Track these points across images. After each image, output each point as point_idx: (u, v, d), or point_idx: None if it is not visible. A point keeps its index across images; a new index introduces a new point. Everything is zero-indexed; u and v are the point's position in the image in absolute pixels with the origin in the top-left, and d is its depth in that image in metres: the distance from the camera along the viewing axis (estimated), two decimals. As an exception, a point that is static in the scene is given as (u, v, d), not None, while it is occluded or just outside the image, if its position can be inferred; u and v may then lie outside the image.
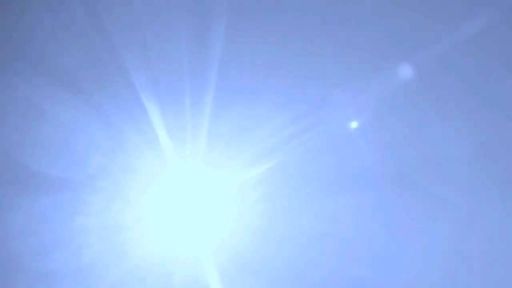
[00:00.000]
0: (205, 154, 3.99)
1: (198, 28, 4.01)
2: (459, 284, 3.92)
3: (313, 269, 3.90)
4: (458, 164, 4.00)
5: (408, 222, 3.99)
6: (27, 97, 3.90)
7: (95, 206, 3.89)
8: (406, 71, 4.03)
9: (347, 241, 3.94)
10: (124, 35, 3.99)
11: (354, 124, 4.01)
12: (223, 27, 3.99)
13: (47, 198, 3.83)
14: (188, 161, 3.98)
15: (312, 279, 3.90)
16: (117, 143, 3.96)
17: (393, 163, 4.04)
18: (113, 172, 3.94)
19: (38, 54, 3.97)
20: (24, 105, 3.91)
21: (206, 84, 3.98)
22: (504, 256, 3.92)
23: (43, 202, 3.83)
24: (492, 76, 4.04)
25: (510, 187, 3.96)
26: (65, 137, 3.93)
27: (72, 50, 3.96)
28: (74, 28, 4.00)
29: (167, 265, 3.90)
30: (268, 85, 4.03)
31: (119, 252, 3.88)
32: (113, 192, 3.92)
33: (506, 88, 4.03)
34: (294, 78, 4.06)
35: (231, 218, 3.99)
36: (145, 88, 3.97)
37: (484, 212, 3.96)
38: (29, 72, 3.90)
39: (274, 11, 4.08)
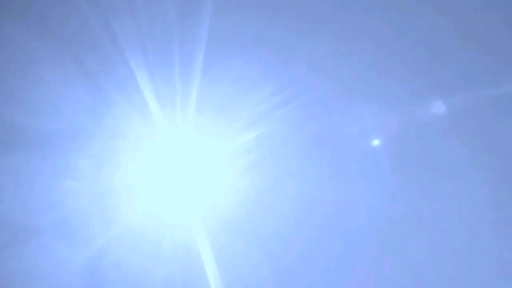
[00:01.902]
0: (194, 121, 4.00)
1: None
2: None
3: (301, 233, 3.97)
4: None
5: (390, 186, 4.10)
6: (18, 59, 3.85)
7: (85, 170, 3.87)
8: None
9: (333, 205, 4.02)
10: (114, 1, 3.96)
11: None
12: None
13: (36, 160, 3.80)
14: (177, 128, 3.99)
15: (300, 242, 3.97)
16: (107, 109, 3.94)
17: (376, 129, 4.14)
18: (102, 137, 3.92)
19: (29, 16, 3.91)
20: (14, 66, 3.86)
21: (196, 51, 3.99)
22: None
23: (32, 164, 3.80)
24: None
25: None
26: (55, 101, 3.89)
27: (64, 15, 3.92)
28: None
29: (156, 231, 3.92)
30: (257, 54, 4.06)
31: (109, 217, 3.88)
32: (102, 157, 3.91)
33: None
34: (283, 48, 4.10)
35: (220, 184, 4.02)
36: (135, 54, 3.96)
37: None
38: (21, 33, 3.84)
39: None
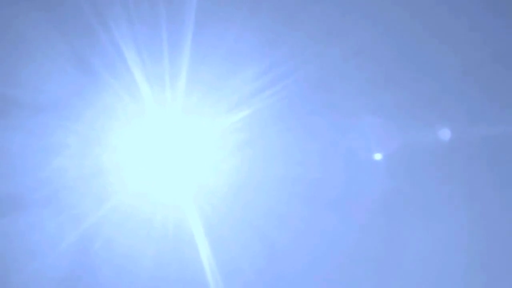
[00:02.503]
0: (184, 99, 3.97)
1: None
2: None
3: (292, 211, 3.97)
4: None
5: (379, 163, 4.14)
6: (6, 36, 3.77)
7: (73, 148, 3.81)
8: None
9: (323, 183, 4.04)
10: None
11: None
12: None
13: (23, 137, 3.72)
14: (167, 106, 3.96)
15: (291, 220, 3.97)
16: (96, 86, 3.89)
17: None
18: (91, 115, 3.87)
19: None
20: (1, 43, 3.78)
21: (185, 29, 3.97)
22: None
23: (19, 141, 3.71)
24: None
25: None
26: (43, 78, 3.82)
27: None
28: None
29: (147, 210, 3.87)
30: (247, 33, 4.06)
31: (98, 196, 3.82)
32: (91, 135, 3.85)
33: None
34: (273, 27, 4.11)
35: (210, 163, 4.00)
36: (123, 33, 3.92)
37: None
38: (9, 9, 3.77)
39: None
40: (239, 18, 4.06)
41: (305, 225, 4.03)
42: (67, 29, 3.89)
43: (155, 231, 3.86)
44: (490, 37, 4.24)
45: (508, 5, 4.27)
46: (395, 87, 4.22)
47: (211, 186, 3.97)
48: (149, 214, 3.88)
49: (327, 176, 4.08)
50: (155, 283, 3.86)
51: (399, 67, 4.23)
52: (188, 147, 4.01)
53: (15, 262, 3.67)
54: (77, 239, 3.76)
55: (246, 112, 4.01)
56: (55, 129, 3.81)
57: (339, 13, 4.16)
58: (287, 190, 4.01)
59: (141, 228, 3.85)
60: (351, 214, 4.08)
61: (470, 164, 4.18)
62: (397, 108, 4.22)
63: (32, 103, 3.79)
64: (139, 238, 3.84)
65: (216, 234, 3.89)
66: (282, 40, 4.09)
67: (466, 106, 4.21)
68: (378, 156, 4.17)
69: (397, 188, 4.14)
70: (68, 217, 3.77)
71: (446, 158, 4.18)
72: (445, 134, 4.19)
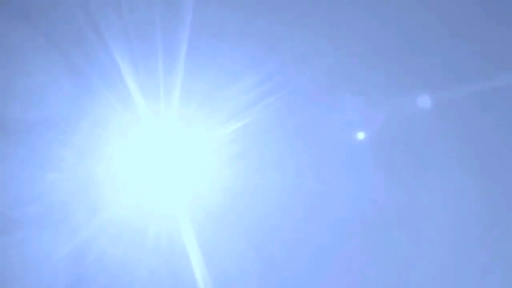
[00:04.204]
0: (178, 111, 3.97)
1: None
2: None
3: (286, 223, 3.98)
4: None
5: (373, 176, 4.12)
6: (0, 49, 3.78)
7: (68, 161, 3.82)
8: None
9: (317, 195, 4.03)
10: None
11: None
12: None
13: (18, 150, 3.74)
14: (162, 118, 3.96)
15: (285, 232, 3.97)
16: (90, 98, 3.89)
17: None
18: (86, 127, 3.87)
19: (12, 6, 3.83)
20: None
21: (179, 41, 3.94)
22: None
23: (14, 154, 3.74)
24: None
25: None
26: (37, 91, 3.82)
27: (47, 5, 3.85)
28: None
29: (141, 221, 3.89)
30: (241, 44, 4.03)
31: (92, 208, 3.84)
32: (85, 148, 3.86)
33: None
34: (267, 38, 4.07)
35: (205, 175, 4.00)
36: (118, 44, 3.90)
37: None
38: (4, 23, 3.77)
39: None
40: (235, 29, 4.03)
41: (299, 236, 4.03)
42: (61, 41, 3.88)
43: (149, 242, 3.88)
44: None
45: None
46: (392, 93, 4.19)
47: (205, 197, 3.97)
48: (143, 226, 3.89)
49: (323, 187, 4.07)
50: (149, 294, 3.89)
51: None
52: (183, 158, 4.01)
53: (10, 276, 3.71)
54: (72, 252, 3.79)
55: (241, 123, 4.00)
56: (49, 141, 3.82)
57: (336, 22, 4.12)
58: (282, 201, 4.00)
59: (135, 239, 3.87)
60: (346, 225, 4.07)
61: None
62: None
63: (26, 116, 3.80)
64: (133, 249, 3.86)
65: (210, 245, 3.91)
66: (278, 51, 4.06)
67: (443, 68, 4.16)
68: (376, 168, 4.15)
69: (398, 197, 4.13)
70: (63, 230, 3.79)
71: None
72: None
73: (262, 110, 4.02)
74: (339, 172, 4.12)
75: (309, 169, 4.08)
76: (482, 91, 4.10)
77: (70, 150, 3.83)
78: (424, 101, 4.10)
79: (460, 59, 4.14)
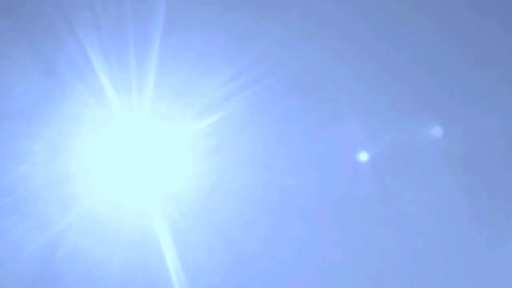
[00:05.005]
0: (151, 105, 3.93)
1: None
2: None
3: (260, 218, 3.95)
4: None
5: (350, 170, 4.10)
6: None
7: (39, 155, 3.78)
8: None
9: (292, 190, 4.01)
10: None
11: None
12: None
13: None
14: (134, 112, 3.92)
15: (259, 227, 3.95)
16: (61, 92, 3.85)
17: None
18: (57, 121, 3.83)
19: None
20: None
21: (152, 34, 3.91)
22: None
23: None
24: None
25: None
26: (7, 84, 3.78)
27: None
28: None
29: (114, 217, 3.85)
30: (215, 38, 4.01)
31: (64, 203, 3.79)
32: (57, 142, 3.82)
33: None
34: (242, 31, 4.05)
35: (178, 170, 3.97)
36: (89, 37, 3.87)
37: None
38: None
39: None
40: (208, 21, 4.00)
41: (274, 232, 4.00)
42: (32, 34, 3.84)
43: (122, 238, 3.84)
44: (479, 35, 4.19)
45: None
46: (374, 87, 4.18)
47: (179, 193, 3.94)
48: (116, 221, 3.85)
49: (298, 182, 4.04)
50: (121, 290, 3.85)
51: (378, 66, 4.18)
52: (156, 153, 3.97)
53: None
54: (43, 246, 3.74)
55: (214, 118, 3.97)
56: (20, 135, 3.78)
57: (313, 13, 4.10)
58: (256, 197, 3.98)
59: (108, 235, 3.83)
60: (322, 220, 4.05)
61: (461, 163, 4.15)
62: (377, 109, 4.18)
63: (-4, 109, 3.76)
64: (105, 245, 3.82)
65: (184, 241, 3.88)
66: (253, 43, 4.03)
67: (454, 103, 4.17)
68: (354, 160, 4.13)
69: (373, 193, 4.12)
70: (34, 224, 3.75)
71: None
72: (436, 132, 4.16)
73: (236, 104, 3.99)
74: (313, 167, 4.10)
75: (282, 164, 4.06)
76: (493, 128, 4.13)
77: (42, 144, 3.79)
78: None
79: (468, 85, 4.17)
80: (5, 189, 3.74)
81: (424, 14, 4.17)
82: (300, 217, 4.03)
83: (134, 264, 3.84)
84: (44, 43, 3.84)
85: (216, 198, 3.94)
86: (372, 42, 4.15)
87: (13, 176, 3.75)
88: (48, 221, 3.77)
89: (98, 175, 3.89)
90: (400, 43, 4.16)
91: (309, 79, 4.10)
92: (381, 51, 4.16)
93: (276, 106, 4.09)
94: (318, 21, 4.11)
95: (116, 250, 3.83)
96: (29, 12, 3.86)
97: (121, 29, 3.90)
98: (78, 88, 3.86)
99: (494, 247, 4.08)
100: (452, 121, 4.15)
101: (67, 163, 3.83)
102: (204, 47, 3.98)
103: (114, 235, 3.84)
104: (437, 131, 4.15)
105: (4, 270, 3.71)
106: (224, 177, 3.96)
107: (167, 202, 3.91)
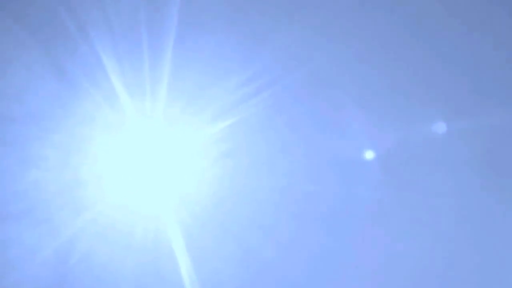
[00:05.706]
0: (165, 109, 3.90)
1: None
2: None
3: (274, 223, 3.91)
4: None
5: (365, 174, 4.05)
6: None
7: (51, 159, 3.76)
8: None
9: (307, 194, 3.96)
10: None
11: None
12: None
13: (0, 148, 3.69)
14: (148, 116, 3.90)
15: (274, 232, 3.90)
16: (74, 96, 3.83)
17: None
18: (70, 125, 3.82)
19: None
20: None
21: (166, 38, 3.89)
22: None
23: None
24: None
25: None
26: (20, 88, 3.77)
27: (30, 1, 3.80)
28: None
29: (127, 221, 3.83)
30: (230, 42, 3.97)
31: (77, 208, 3.78)
32: (69, 146, 3.80)
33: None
34: (256, 35, 4.01)
35: (192, 174, 3.94)
36: (103, 41, 3.85)
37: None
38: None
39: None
40: (222, 26, 3.97)
41: (289, 237, 3.96)
42: (45, 37, 3.83)
43: (135, 242, 3.82)
44: (483, 33, 4.12)
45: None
46: (385, 92, 4.12)
47: (192, 197, 3.91)
48: (129, 226, 3.83)
49: (314, 187, 4.00)
50: (134, 295, 3.83)
51: (395, 66, 4.12)
52: (169, 157, 3.95)
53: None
54: (56, 251, 3.73)
55: (228, 121, 3.93)
56: (32, 139, 3.77)
57: (325, 17, 4.05)
58: (271, 201, 3.93)
59: (120, 239, 3.81)
60: (337, 225, 4.00)
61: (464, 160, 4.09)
62: (387, 112, 4.13)
63: (9, 113, 3.75)
64: (118, 250, 3.80)
65: (197, 246, 3.84)
66: (266, 46, 3.99)
67: (458, 99, 4.11)
68: (369, 164, 4.07)
69: (389, 197, 4.05)
70: (46, 229, 3.74)
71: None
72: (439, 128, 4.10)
73: (250, 108, 3.95)
74: (330, 171, 4.05)
75: (299, 169, 4.01)
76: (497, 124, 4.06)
77: (54, 148, 3.77)
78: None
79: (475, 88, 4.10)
80: (18, 194, 3.73)
81: (439, 10, 4.11)
82: (316, 222, 3.98)
83: (147, 269, 3.81)
84: (57, 47, 3.83)
85: (229, 203, 3.90)
86: (386, 42, 4.10)
87: (26, 181, 3.74)
88: (61, 226, 3.76)
89: (111, 179, 3.87)
90: (415, 41, 4.11)
91: (324, 80, 4.05)
92: (397, 50, 4.11)
93: (291, 109, 4.04)
94: (331, 21, 4.06)
95: (129, 254, 3.80)
96: (42, 16, 3.85)
97: (134, 33, 3.88)
98: (91, 92, 3.84)
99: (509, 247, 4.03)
100: (463, 119, 4.08)
101: (80, 168, 3.81)
102: (218, 50, 3.95)
103: (127, 239, 3.81)
104: (454, 130, 4.10)
105: (17, 275, 3.70)
106: (237, 181, 3.92)
107: (180, 206, 3.88)
